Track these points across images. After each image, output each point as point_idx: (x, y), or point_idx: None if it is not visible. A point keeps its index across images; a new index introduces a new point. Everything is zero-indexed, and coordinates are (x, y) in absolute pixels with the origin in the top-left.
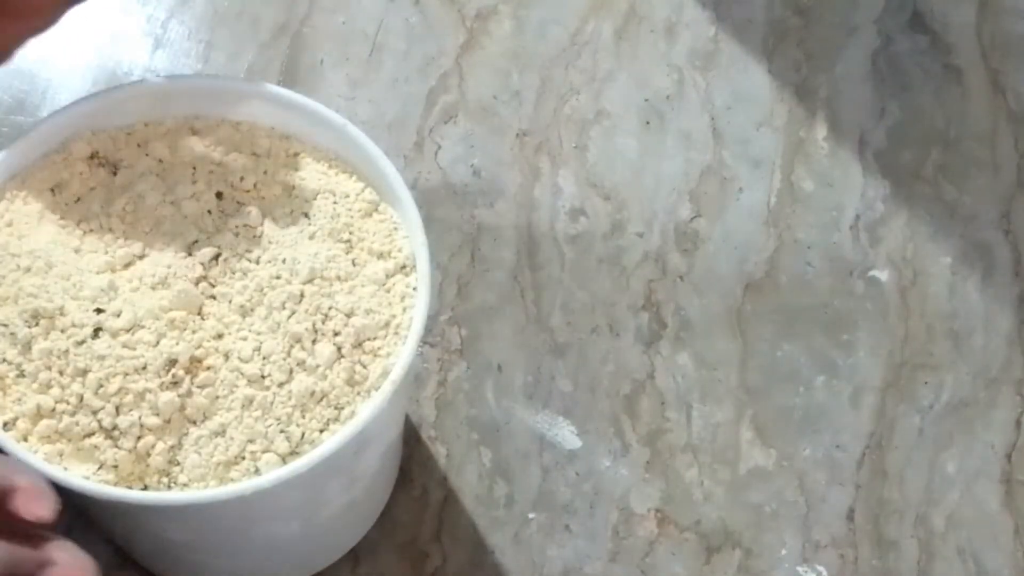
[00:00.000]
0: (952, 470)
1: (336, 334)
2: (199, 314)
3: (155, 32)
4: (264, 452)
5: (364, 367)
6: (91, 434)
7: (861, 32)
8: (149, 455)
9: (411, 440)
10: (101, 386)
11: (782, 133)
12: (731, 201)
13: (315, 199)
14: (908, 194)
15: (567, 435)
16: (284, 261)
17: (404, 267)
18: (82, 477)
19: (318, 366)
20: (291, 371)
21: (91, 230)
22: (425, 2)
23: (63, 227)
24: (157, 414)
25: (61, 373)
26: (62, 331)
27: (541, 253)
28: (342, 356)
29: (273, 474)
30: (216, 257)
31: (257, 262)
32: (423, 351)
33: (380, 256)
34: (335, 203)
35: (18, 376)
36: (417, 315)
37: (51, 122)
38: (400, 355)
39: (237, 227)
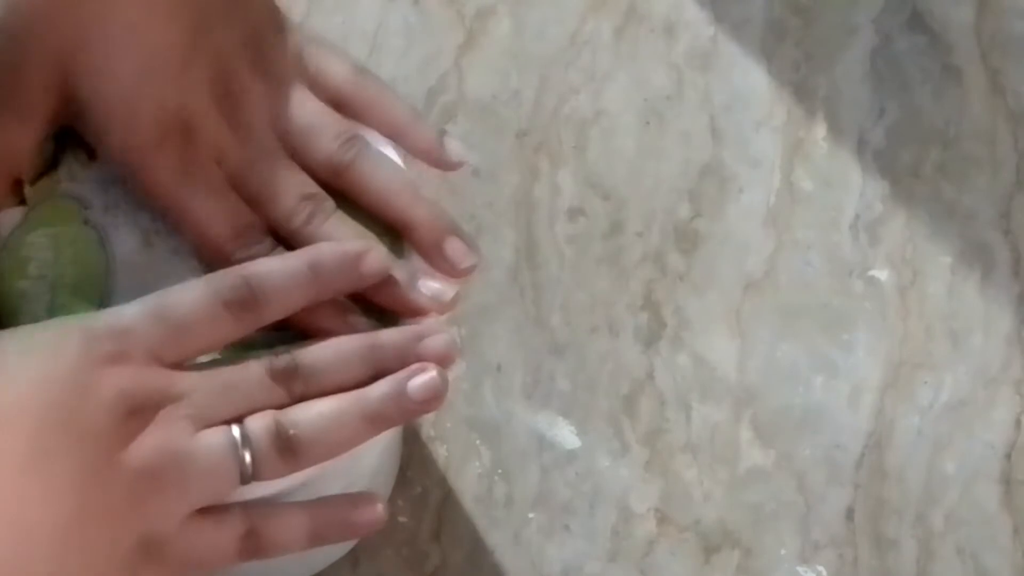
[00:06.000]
0: (951, 470)
1: None
2: None
3: None
4: None
5: None
6: None
7: (860, 32)
8: None
9: (410, 440)
10: None
11: (781, 133)
12: (730, 201)
13: None
14: (907, 194)
15: (566, 435)
16: None
17: None
18: None
19: None
20: None
21: None
22: (424, 2)
23: None
24: None
25: None
26: None
27: (540, 253)
28: None
29: None
30: None
31: None
32: None
33: None
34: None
35: None
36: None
37: None
38: None
39: None
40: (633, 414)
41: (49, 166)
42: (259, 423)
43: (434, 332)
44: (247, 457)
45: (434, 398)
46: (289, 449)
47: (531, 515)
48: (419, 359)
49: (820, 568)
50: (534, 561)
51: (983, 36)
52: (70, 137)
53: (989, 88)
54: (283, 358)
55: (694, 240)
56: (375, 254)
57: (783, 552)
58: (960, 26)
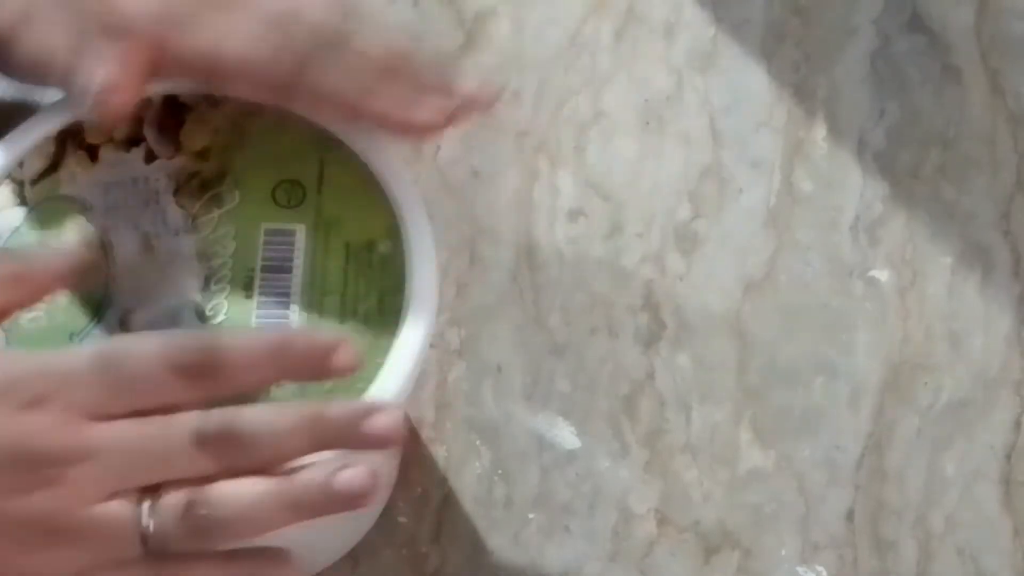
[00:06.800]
0: (951, 471)
1: None
2: None
3: None
4: None
5: None
6: None
7: (860, 32)
8: None
9: (410, 441)
10: None
11: (781, 134)
12: (730, 202)
13: None
14: (907, 195)
15: (566, 435)
16: None
17: None
18: None
19: None
20: None
21: None
22: (424, 3)
23: None
24: None
25: None
26: None
27: (540, 254)
28: None
29: None
30: None
31: None
32: None
33: None
34: None
35: None
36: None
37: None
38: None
39: None
40: (633, 415)
41: (50, 167)
42: (170, 500)
43: (381, 409)
44: (151, 529)
45: (361, 495)
46: (198, 530)
47: (531, 516)
48: (362, 438)
49: (820, 569)
50: (534, 562)
51: (983, 37)
52: (71, 138)
53: (989, 89)
54: (213, 423)
55: (694, 241)
56: (346, 351)
57: (783, 553)
58: (960, 27)
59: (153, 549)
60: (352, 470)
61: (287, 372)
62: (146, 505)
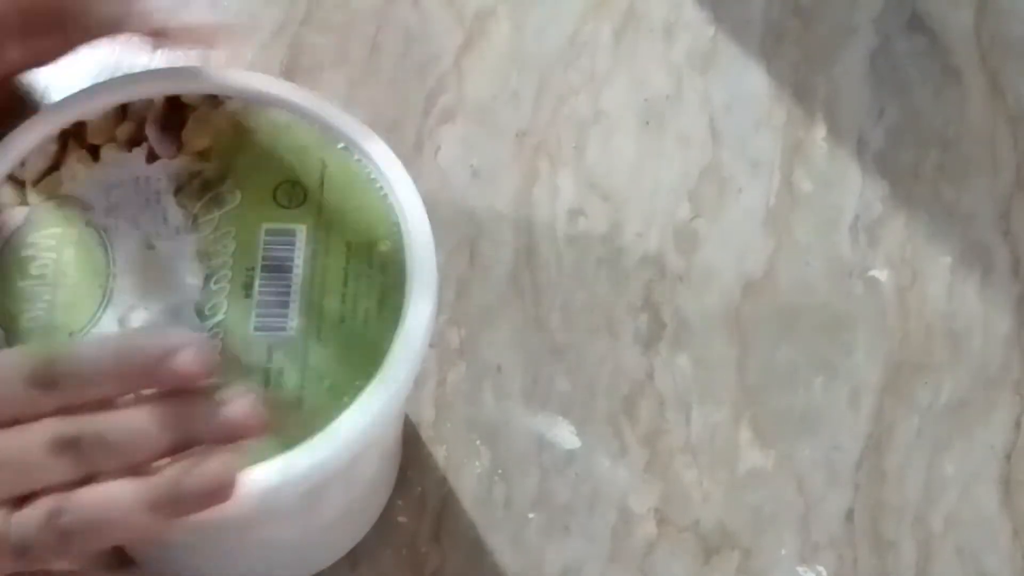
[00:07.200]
0: (951, 471)
1: None
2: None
3: None
4: None
5: None
6: None
7: (860, 32)
8: None
9: (410, 441)
10: None
11: (781, 133)
12: (730, 201)
13: None
14: (907, 195)
15: (566, 436)
16: None
17: None
18: None
19: None
20: None
21: None
22: (424, 3)
23: None
24: None
25: None
26: None
27: (540, 254)
28: None
29: None
30: None
31: None
32: None
33: None
34: None
35: None
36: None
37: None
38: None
39: None
40: (633, 415)
41: (51, 167)
42: (32, 508)
43: (238, 397)
44: (14, 539)
45: (218, 488)
46: (62, 536)
47: (531, 516)
48: (223, 427)
49: (820, 568)
50: (534, 562)
51: (983, 38)
52: (72, 138)
53: (989, 89)
54: (69, 429)
55: (693, 241)
56: (188, 353)
57: (783, 553)
58: (960, 27)
59: (26, 562)
60: (206, 463)
61: (132, 380)
62: (10, 515)
